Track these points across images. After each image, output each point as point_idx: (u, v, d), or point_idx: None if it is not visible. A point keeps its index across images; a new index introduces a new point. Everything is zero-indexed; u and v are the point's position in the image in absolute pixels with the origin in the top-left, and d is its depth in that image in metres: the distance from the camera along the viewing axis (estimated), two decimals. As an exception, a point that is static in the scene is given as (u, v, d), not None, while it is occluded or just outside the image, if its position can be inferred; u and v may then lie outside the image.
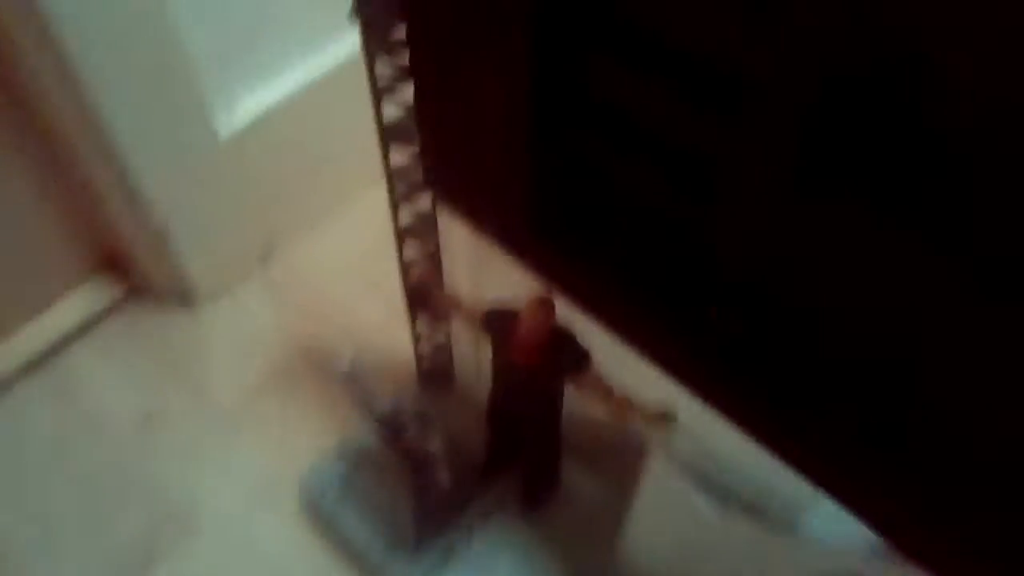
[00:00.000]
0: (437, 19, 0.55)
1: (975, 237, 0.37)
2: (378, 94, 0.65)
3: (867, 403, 0.49)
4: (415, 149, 0.69)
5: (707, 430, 0.62)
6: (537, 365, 0.71)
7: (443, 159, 0.65)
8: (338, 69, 1.04)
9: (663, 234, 0.55)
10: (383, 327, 1.07)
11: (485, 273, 0.81)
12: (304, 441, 0.98)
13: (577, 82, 0.51)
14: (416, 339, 0.89)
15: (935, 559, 0.49)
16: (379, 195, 0.88)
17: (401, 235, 0.76)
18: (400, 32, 0.60)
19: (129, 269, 1.10)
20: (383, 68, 0.63)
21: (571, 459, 0.87)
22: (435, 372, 0.94)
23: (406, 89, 0.65)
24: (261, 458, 0.98)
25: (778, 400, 0.53)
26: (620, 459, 0.83)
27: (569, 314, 0.69)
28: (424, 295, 0.81)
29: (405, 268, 0.79)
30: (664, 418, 0.67)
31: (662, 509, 0.64)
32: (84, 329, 1.09)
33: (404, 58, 0.62)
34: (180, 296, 1.11)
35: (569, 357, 0.71)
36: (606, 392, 0.70)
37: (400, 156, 0.70)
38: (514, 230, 0.62)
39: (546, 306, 0.69)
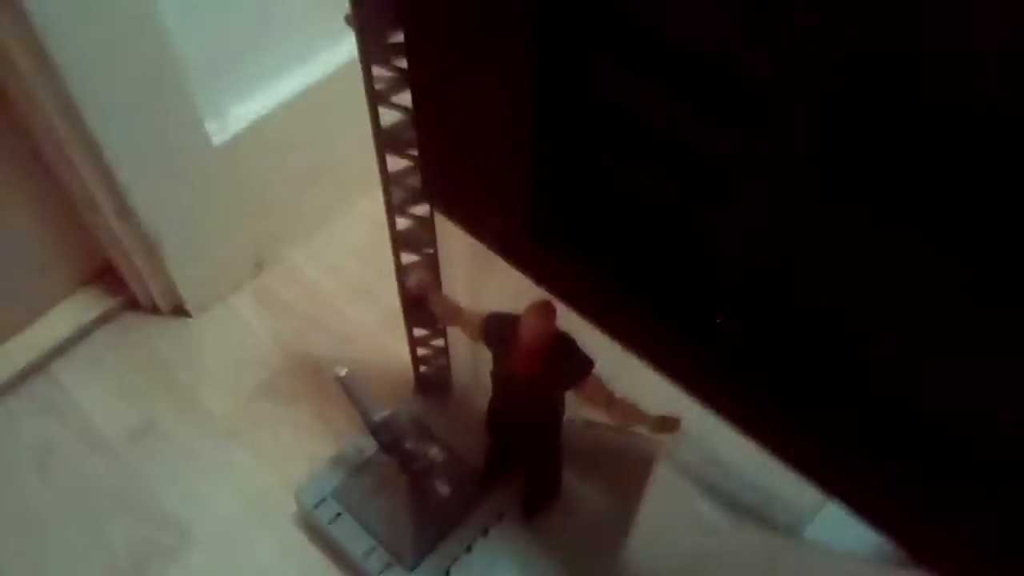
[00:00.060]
0: (435, 23, 0.55)
1: (976, 239, 0.37)
2: (374, 99, 0.64)
3: (872, 406, 0.48)
4: (412, 155, 0.68)
5: (712, 436, 0.62)
6: (538, 372, 0.70)
7: (441, 165, 0.64)
8: (334, 75, 1.03)
9: (666, 239, 0.54)
10: (379, 336, 1.06)
11: (484, 280, 0.81)
12: (299, 451, 0.96)
13: (578, 84, 0.50)
14: (413, 347, 0.88)
15: (947, 564, 0.49)
16: (375, 202, 0.87)
17: (398, 242, 0.75)
18: (398, 36, 0.60)
19: (119, 279, 1.09)
20: (380, 73, 0.63)
21: (572, 467, 0.86)
22: (432, 380, 0.93)
23: (403, 95, 0.64)
24: (256, 469, 0.96)
25: (784, 404, 0.52)
26: (622, 467, 0.82)
27: (570, 321, 0.69)
28: (421, 302, 0.80)
29: (402, 275, 0.79)
30: (668, 425, 0.66)
31: (667, 516, 0.64)
32: (74, 341, 1.07)
33: (402, 62, 0.61)
34: (172, 306, 1.10)
35: (570, 364, 0.70)
36: (608, 399, 0.69)
37: (397, 162, 0.69)
38: (514, 237, 0.61)
39: (547, 312, 0.68)
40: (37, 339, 1.05)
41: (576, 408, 0.79)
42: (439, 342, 0.89)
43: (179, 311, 1.10)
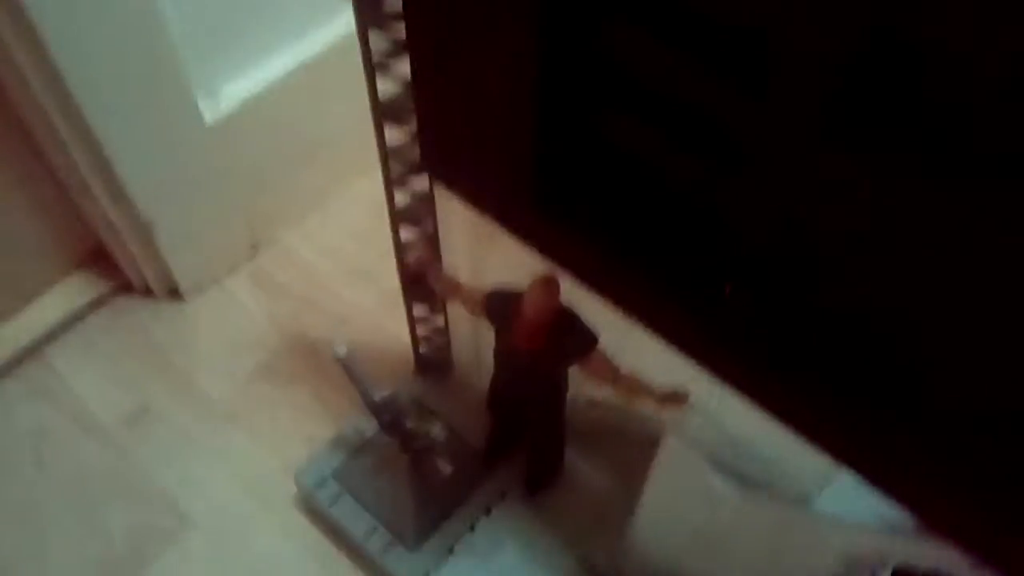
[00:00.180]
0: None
1: (1005, 197, 0.36)
2: (372, 70, 0.63)
3: (884, 372, 0.47)
4: (411, 128, 0.67)
5: (721, 409, 0.61)
6: (541, 348, 0.69)
7: (441, 135, 0.63)
8: (328, 52, 1.01)
9: (673, 207, 0.53)
10: (377, 316, 1.05)
11: (485, 255, 0.80)
12: (298, 433, 0.95)
13: (587, 48, 0.49)
14: (413, 325, 0.87)
15: (961, 532, 0.48)
16: (371, 181, 0.86)
17: (397, 217, 0.74)
18: (396, 4, 0.58)
19: (113, 263, 1.07)
20: (377, 42, 0.61)
21: (575, 446, 0.85)
22: (433, 360, 0.92)
23: (401, 64, 0.63)
24: (254, 451, 0.95)
25: (794, 373, 0.51)
26: (625, 445, 0.82)
27: (574, 295, 0.68)
28: (421, 279, 0.79)
29: (401, 252, 0.77)
30: (676, 399, 0.65)
31: (676, 489, 0.63)
32: (67, 325, 1.06)
33: (400, 31, 0.60)
34: (166, 289, 1.09)
35: (574, 339, 0.69)
36: (614, 374, 0.68)
37: (395, 135, 0.68)
38: (516, 207, 0.60)
39: (550, 287, 0.67)
40: (30, 324, 1.04)
41: (580, 386, 0.78)
42: (439, 322, 0.88)
43: (174, 294, 1.08)
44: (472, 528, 0.81)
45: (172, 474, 0.94)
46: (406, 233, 0.76)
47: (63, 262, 1.05)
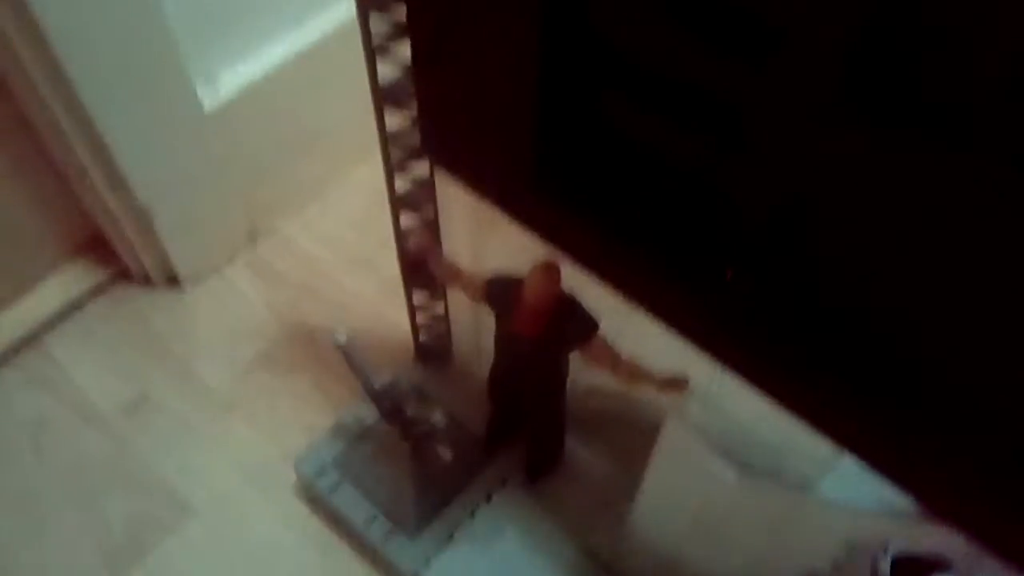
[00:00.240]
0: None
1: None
2: (372, 53, 0.62)
3: (888, 357, 0.47)
4: (411, 112, 0.66)
5: (722, 395, 0.61)
6: (542, 334, 0.69)
7: (441, 119, 0.62)
8: (328, 39, 1.01)
9: (676, 189, 0.53)
10: (377, 305, 1.04)
11: (485, 241, 0.79)
12: (297, 421, 0.95)
13: (587, 28, 0.48)
14: (413, 312, 0.87)
15: (965, 518, 0.48)
16: (370, 170, 0.85)
17: (397, 203, 0.74)
18: (395, -13, 0.58)
19: (111, 251, 1.07)
20: (378, 25, 0.61)
21: (576, 433, 0.85)
22: (433, 346, 0.92)
23: (402, 48, 0.63)
24: (254, 440, 0.95)
25: (796, 358, 0.51)
26: (626, 433, 0.82)
27: (574, 281, 0.68)
28: (421, 266, 0.78)
29: (402, 238, 0.77)
30: (676, 385, 0.65)
31: (677, 474, 0.63)
32: (65, 313, 1.06)
33: (400, 14, 0.59)
34: (166, 277, 1.08)
35: (575, 325, 0.68)
36: (615, 360, 0.68)
37: (396, 120, 0.67)
38: (517, 191, 0.60)
39: (551, 273, 0.66)
40: (28, 312, 1.04)
41: (580, 374, 0.78)
42: (439, 309, 0.88)
43: (172, 283, 1.08)
44: (472, 515, 0.81)
45: (171, 463, 0.94)
46: (406, 219, 0.75)
47: (61, 250, 1.05)
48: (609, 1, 0.46)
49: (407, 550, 0.79)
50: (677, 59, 0.45)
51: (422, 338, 0.91)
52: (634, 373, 0.68)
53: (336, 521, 0.86)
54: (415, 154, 0.70)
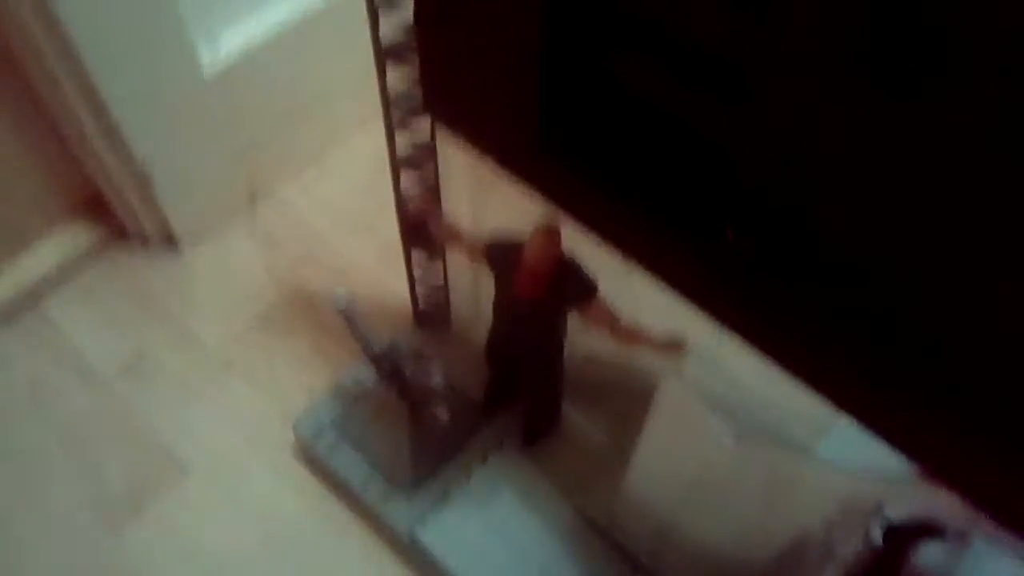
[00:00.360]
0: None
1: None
2: (375, 11, 0.62)
3: (886, 318, 0.47)
4: (413, 72, 0.66)
5: (719, 357, 0.61)
6: (542, 296, 0.69)
7: (444, 76, 0.62)
8: (329, 4, 1.00)
9: (678, 148, 0.53)
10: (376, 270, 1.04)
11: (485, 202, 0.79)
12: (296, 383, 0.95)
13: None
14: (412, 275, 0.87)
15: (964, 480, 0.48)
16: (371, 134, 0.85)
17: (398, 166, 0.74)
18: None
19: (110, 211, 1.06)
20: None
21: (572, 400, 0.85)
22: (432, 310, 0.92)
23: (404, 7, 0.62)
24: (252, 400, 0.95)
25: (795, 318, 0.51)
26: (622, 399, 0.82)
27: (574, 244, 0.68)
28: (421, 227, 0.78)
29: (402, 200, 0.77)
30: (674, 346, 0.65)
31: (673, 434, 0.63)
32: (63, 274, 1.05)
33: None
34: (164, 239, 1.08)
35: (575, 287, 0.69)
36: (612, 322, 0.68)
37: (397, 80, 0.67)
38: (519, 149, 0.59)
39: (551, 236, 0.66)
40: (25, 273, 1.03)
41: (578, 340, 0.78)
42: (438, 274, 0.88)
43: (170, 244, 1.08)
44: (469, 476, 0.81)
45: (169, 421, 0.94)
46: (407, 179, 0.75)
47: (60, 210, 1.05)
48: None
49: (404, 509, 0.80)
50: (681, 13, 0.44)
51: (421, 301, 0.91)
52: (632, 335, 0.68)
53: (334, 481, 0.86)
54: (416, 114, 0.69)
